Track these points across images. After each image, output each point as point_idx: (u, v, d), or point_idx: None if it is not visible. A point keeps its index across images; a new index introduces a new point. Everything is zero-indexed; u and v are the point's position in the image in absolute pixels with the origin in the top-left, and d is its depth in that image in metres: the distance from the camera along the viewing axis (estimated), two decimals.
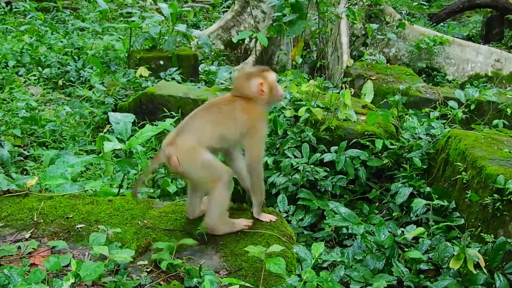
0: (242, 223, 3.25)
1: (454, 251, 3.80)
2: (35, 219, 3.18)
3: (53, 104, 8.01)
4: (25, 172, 5.70)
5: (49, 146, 6.47)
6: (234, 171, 3.47)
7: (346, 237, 4.61)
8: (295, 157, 5.38)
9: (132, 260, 2.71)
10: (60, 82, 8.78)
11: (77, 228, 3.09)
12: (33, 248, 2.86)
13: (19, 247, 2.84)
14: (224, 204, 3.16)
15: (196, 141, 3.08)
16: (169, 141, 3.11)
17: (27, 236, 3.02)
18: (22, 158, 6.10)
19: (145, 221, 3.21)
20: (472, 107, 6.52)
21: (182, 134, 3.12)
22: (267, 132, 3.90)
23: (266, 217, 3.41)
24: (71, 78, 8.94)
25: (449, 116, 6.41)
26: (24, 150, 6.27)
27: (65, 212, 3.27)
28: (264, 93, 3.34)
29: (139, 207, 3.39)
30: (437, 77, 12.19)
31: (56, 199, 3.43)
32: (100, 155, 5.15)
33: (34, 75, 9.02)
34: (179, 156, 3.03)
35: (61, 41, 10.99)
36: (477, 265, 3.55)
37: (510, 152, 4.75)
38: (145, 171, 3.14)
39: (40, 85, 8.75)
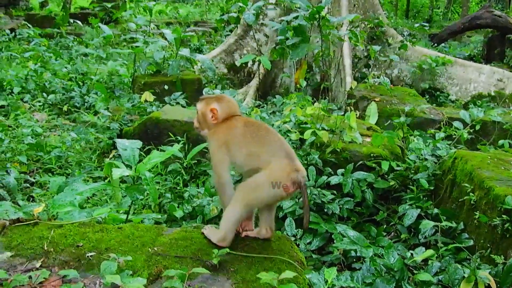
0: None
1: (464, 273, 3.78)
2: (45, 248, 3.17)
3: (58, 130, 8.03)
4: (31, 199, 5.70)
5: (55, 173, 6.48)
6: None
7: (354, 260, 4.59)
8: None
9: None
10: (65, 108, 8.82)
11: (88, 256, 3.07)
12: (44, 278, 2.84)
13: (30, 277, 2.81)
14: None
15: None
16: (293, 167, 3.10)
17: (37, 265, 3.00)
18: (28, 185, 6.10)
19: (155, 248, 3.20)
20: (477, 127, 6.54)
21: (295, 159, 3.18)
22: None
23: None
24: (76, 104, 8.98)
25: (454, 136, 6.42)
26: (30, 176, 6.27)
27: (75, 240, 3.26)
28: None
29: (149, 234, 3.38)
30: (440, 97, 12.23)
31: (65, 227, 3.42)
32: (107, 181, 5.17)
33: (39, 101, 9.06)
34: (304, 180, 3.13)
35: (65, 67, 11.06)
36: (488, 287, 3.53)
37: None
38: (304, 200, 3.26)
39: (45, 111, 8.78)
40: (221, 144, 3.29)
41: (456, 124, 6.45)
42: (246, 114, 7.01)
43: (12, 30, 14.91)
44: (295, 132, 5.97)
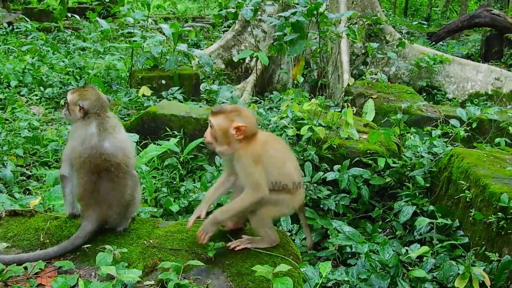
0: None
1: (459, 270, 3.79)
2: (42, 239, 3.17)
3: (55, 123, 8.01)
4: (27, 192, 5.69)
5: (51, 166, 6.46)
6: None
7: (349, 256, 4.60)
8: None
9: (139, 280, 2.70)
10: (62, 102, 8.79)
11: (84, 248, 3.08)
12: (40, 269, 2.85)
13: (26, 268, 2.82)
14: None
15: None
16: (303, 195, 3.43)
17: None
18: (24, 178, 6.09)
19: (151, 241, 3.20)
20: (474, 125, 6.54)
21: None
22: None
23: None
24: None
25: (450, 134, 6.43)
26: (26, 169, 6.26)
27: (71, 232, 3.25)
28: None
29: (145, 227, 3.39)
30: (438, 95, 12.26)
31: (61, 219, 3.42)
32: None
33: (36, 95, 9.04)
34: None
35: (63, 61, 11.03)
36: (482, 284, 3.54)
37: None
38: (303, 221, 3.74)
39: (42, 105, 8.77)
40: (258, 160, 3.07)
41: (452, 122, 6.47)
42: None
43: (9, 23, 14.83)
44: (292, 128, 5.98)
